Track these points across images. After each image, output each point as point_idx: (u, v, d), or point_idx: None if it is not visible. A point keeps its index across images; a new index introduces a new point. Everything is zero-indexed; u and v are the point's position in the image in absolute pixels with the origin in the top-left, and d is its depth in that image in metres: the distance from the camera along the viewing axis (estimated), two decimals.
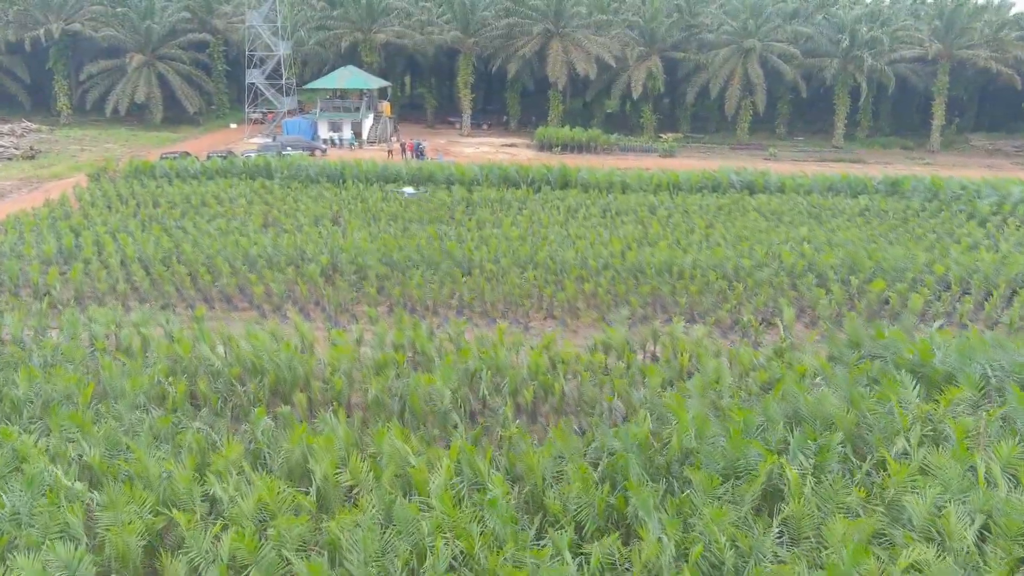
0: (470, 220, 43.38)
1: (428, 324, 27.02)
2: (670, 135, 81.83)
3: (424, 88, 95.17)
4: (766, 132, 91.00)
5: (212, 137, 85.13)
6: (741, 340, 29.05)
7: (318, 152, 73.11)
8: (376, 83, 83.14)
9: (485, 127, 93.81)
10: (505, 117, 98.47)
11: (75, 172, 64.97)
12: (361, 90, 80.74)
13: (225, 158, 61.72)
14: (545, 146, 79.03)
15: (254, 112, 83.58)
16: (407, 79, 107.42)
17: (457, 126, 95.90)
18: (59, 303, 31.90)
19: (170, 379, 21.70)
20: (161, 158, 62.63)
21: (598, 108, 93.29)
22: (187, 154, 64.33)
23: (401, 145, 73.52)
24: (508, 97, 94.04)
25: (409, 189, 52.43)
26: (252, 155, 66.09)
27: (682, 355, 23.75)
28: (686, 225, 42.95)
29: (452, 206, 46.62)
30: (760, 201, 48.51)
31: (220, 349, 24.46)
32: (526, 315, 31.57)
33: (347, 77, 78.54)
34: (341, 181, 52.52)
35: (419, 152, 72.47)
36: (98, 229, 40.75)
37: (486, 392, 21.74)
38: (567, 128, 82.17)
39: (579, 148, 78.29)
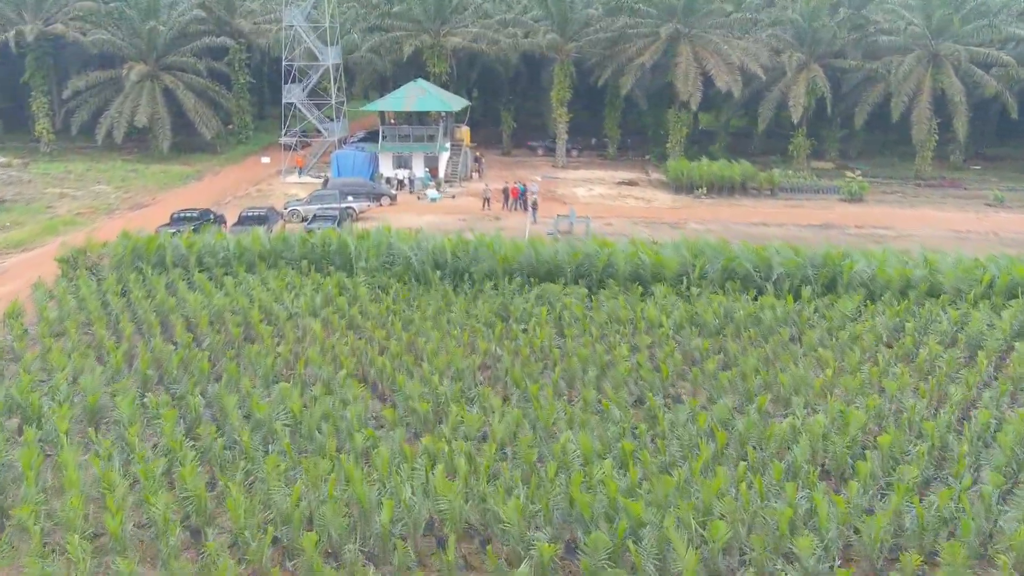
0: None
1: None
2: (857, 173, 61.47)
3: (500, 105, 75.24)
4: (933, 159, 70.78)
5: (235, 173, 65.05)
6: None
7: (385, 200, 53.06)
8: (457, 103, 63.08)
9: (574, 154, 73.55)
10: (594, 140, 78.27)
11: (48, 237, 45.04)
12: (439, 113, 60.60)
13: (265, 221, 41.88)
14: (682, 186, 58.84)
15: (291, 139, 63.52)
16: (473, 93, 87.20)
17: (540, 152, 75.97)
18: None
19: None
20: (172, 222, 42.64)
21: (720, 131, 73.03)
22: (211, 217, 44.29)
23: (503, 192, 53.31)
24: (607, 117, 73.84)
25: (433, 192, 42.65)
26: (301, 210, 46.32)
27: None
28: None
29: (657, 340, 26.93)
30: None
31: None
32: None
33: (419, 95, 58.45)
34: (465, 278, 32.63)
35: (524, 200, 52.40)
36: (57, 422, 20.77)
37: None
38: (702, 159, 62.10)
39: (729, 188, 58.09)
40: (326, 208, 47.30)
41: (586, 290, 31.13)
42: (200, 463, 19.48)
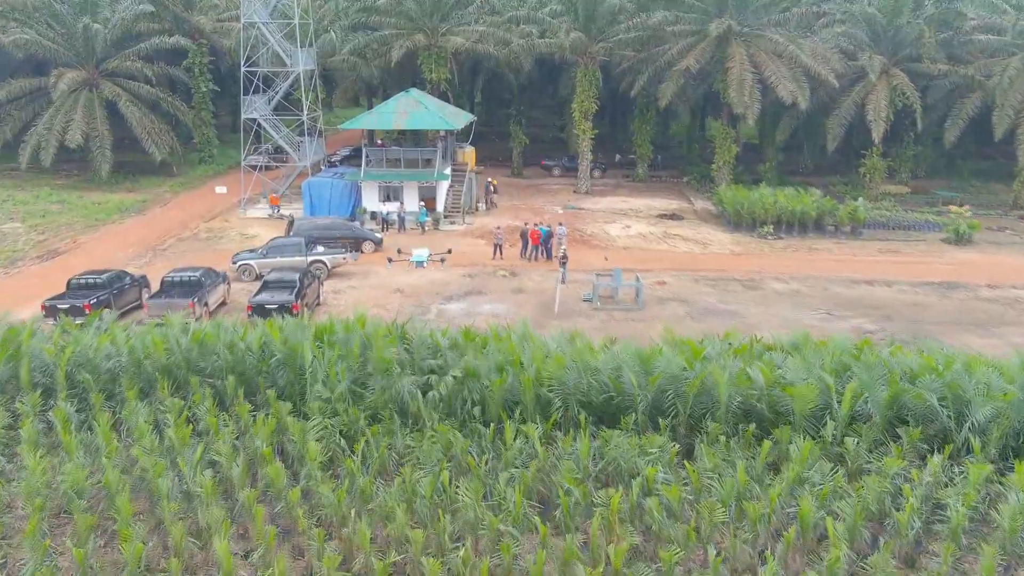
0: None
1: None
2: (966, 207, 49.40)
3: (509, 118, 63.32)
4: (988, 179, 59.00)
5: (189, 203, 53.19)
6: None
7: (368, 246, 41.25)
8: (460, 118, 51.22)
9: (596, 174, 61.73)
10: (618, 157, 66.73)
11: None
12: (438, 132, 48.69)
13: (197, 289, 30.43)
14: (741, 221, 46.94)
15: (258, 160, 51.57)
16: (475, 100, 75.30)
17: (556, 173, 64.43)
18: None
19: None
20: (68, 293, 30.79)
21: (769, 147, 61.21)
22: (126, 283, 32.49)
23: (521, 236, 41.44)
24: (637, 131, 62.11)
25: (420, 254, 38.11)
26: (254, 265, 34.89)
27: None
28: None
29: None
30: None
31: None
32: None
33: (412, 109, 46.41)
34: (475, 407, 20.56)
35: (547, 246, 40.62)
36: None
37: None
38: (761, 186, 50.42)
39: (800, 225, 46.22)
40: (285, 265, 35.54)
41: (675, 446, 19.14)
42: None
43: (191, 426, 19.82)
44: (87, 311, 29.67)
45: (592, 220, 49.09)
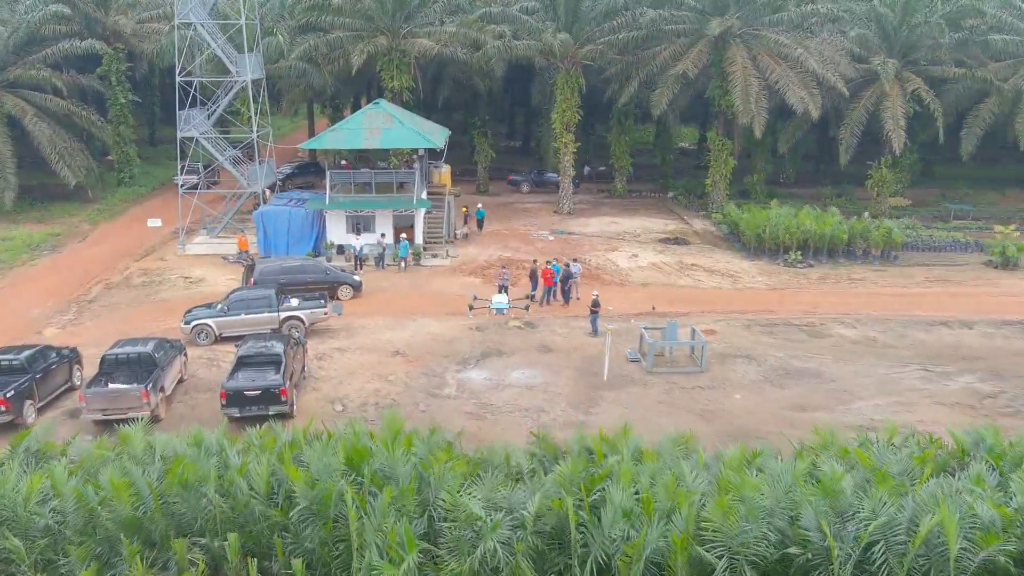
0: None
1: None
2: (1011, 226, 44.63)
3: (474, 129, 56.70)
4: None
5: (114, 235, 45.20)
6: None
7: (345, 291, 34.28)
8: (438, 134, 44.41)
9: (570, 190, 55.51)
10: (587, 170, 60.74)
11: None
12: (414, 151, 41.88)
13: (151, 369, 23.41)
14: (762, 248, 41.51)
15: (188, 180, 43.66)
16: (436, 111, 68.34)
17: (525, 189, 58.26)
18: None
19: None
20: None
21: (759, 158, 56.02)
22: (52, 362, 24.92)
23: (531, 276, 34.96)
24: (615, 142, 56.40)
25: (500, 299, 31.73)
26: (212, 325, 27.97)
27: None
28: None
29: None
30: None
31: None
32: None
33: (385, 125, 39.36)
34: None
35: (565, 288, 34.38)
36: None
37: None
38: (772, 204, 45.33)
39: (829, 250, 41.01)
40: (252, 325, 28.55)
41: None
42: None
43: None
44: (5, 408, 22.28)
45: (591, 248, 42.97)
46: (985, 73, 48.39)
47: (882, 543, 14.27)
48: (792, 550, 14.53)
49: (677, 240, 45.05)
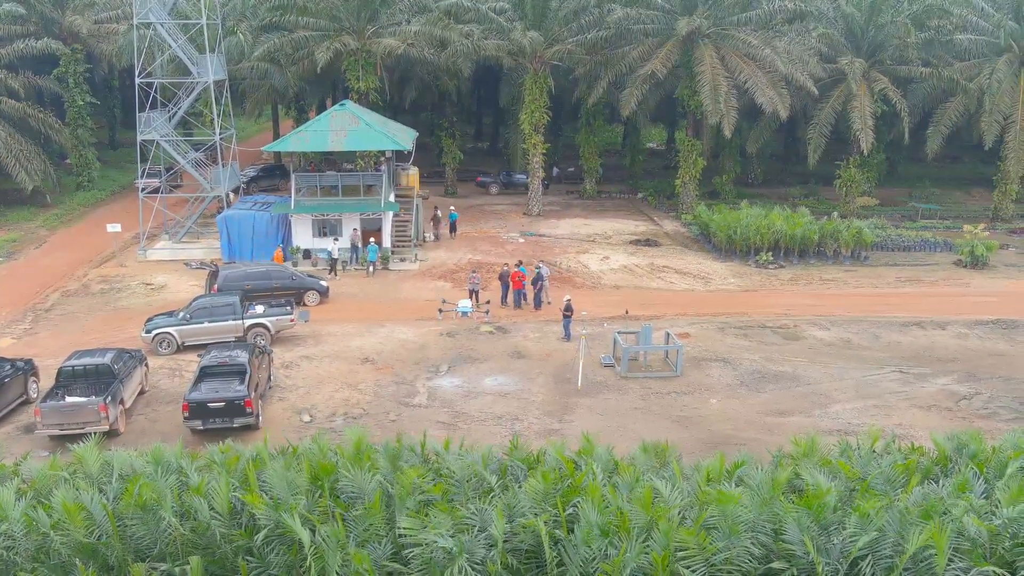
0: None
1: None
2: (980, 226, 44.67)
3: (441, 130, 56.01)
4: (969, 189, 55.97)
5: (72, 241, 43.95)
6: None
7: (312, 297, 33.54)
8: (406, 136, 43.71)
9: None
10: (555, 171, 60.24)
11: None
12: (382, 153, 41.16)
13: (110, 382, 22.48)
14: (734, 249, 41.30)
15: (148, 184, 42.50)
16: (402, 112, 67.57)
17: (493, 191, 57.73)
18: None
19: None
20: None
21: (728, 159, 55.81)
22: (5, 374, 23.90)
23: (501, 279, 34.40)
24: (583, 143, 55.99)
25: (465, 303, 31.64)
26: (174, 334, 27.17)
27: None
28: None
29: None
30: None
31: None
32: None
33: (352, 127, 38.57)
34: None
35: (537, 291, 33.87)
36: None
37: None
38: (742, 204, 45.22)
39: (799, 251, 40.87)
40: (216, 333, 27.77)
41: None
42: None
43: None
44: None
45: (561, 250, 42.50)
46: (951, 72, 48.55)
47: (869, 558, 13.87)
48: (776, 565, 14.09)
49: (648, 242, 44.71)
